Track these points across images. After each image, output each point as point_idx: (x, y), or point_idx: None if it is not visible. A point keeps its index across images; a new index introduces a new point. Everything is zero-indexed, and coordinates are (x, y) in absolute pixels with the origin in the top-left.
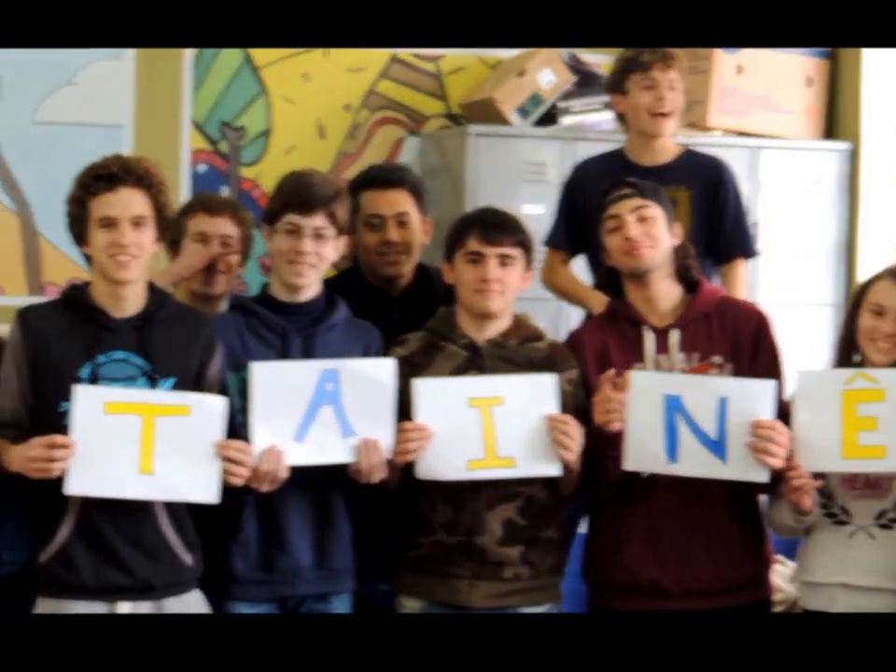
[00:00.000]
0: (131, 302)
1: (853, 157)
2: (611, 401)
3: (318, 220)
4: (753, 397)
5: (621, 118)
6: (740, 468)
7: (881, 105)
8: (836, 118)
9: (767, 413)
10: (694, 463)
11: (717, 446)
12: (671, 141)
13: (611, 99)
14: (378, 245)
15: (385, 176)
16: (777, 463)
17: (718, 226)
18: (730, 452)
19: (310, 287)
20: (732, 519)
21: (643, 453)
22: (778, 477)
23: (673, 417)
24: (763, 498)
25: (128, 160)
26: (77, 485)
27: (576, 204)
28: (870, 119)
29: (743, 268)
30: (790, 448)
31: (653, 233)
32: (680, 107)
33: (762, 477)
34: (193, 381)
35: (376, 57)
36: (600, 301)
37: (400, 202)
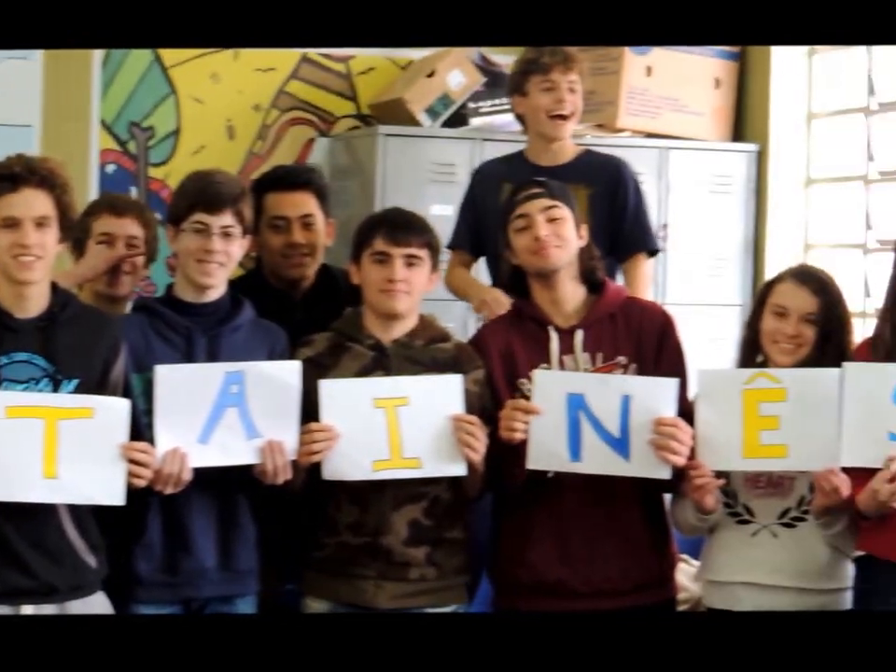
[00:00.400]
0: (34, 303)
1: (761, 158)
2: (515, 417)
3: (226, 219)
4: (656, 395)
5: (521, 119)
6: (643, 465)
7: (789, 107)
8: (744, 119)
9: (669, 410)
10: (597, 461)
11: (620, 444)
12: (571, 142)
13: (512, 100)
14: (283, 248)
15: (289, 178)
16: (679, 460)
17: (618, 223)
18: (633, 449)
19: (217, 286)
20: (638, 518)
21: (546, 451)
22: (682, 476)
23: (576, 416)
24: (667, 498)
25: (31, 159)
26: None
27: (477, 206)
28: (777, 121)
29: (645, 264)
30: (692, 446)
31: (562, 234)
32: (580, 109)
33: (664, 474)
34: (97, 382)
35: (286, 57)
36: (494, 298)
37: (306, 203)
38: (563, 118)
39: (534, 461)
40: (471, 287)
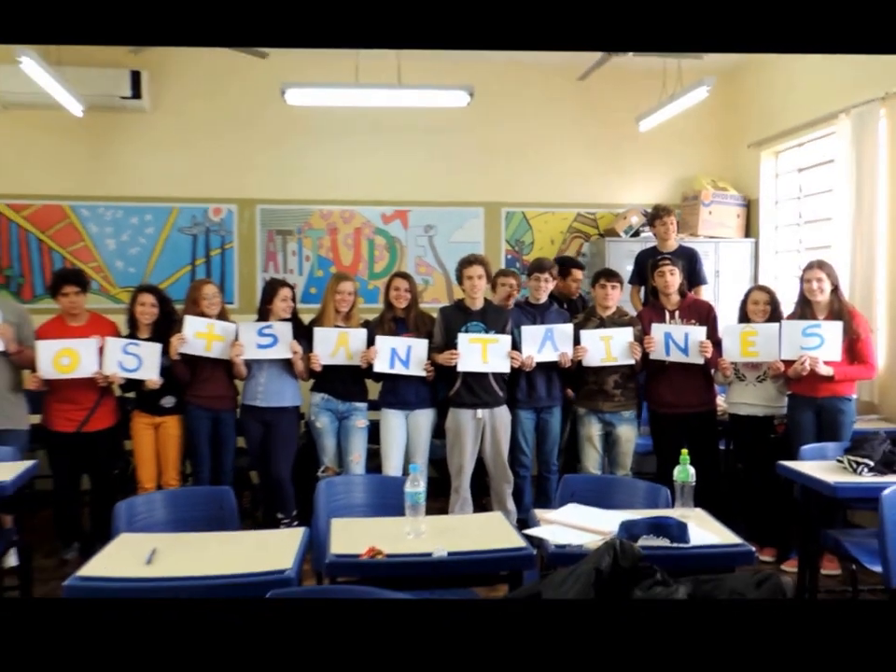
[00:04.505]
0: (478, 304)
1: (756, 247)
2: (647, 343)
3: (546, 274)
4: (698, 333)
5: (655, 234)
6: (693, 357)
7: (770, 219)
8: (750, 228)
9: (703, 338)
10: (675, 356)
11: (684, 350)
12: (675, 241)
13: (650, 227)
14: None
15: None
16: (708, 356)
17: (693, 275)
18: (690, 351)
19: (544, 299)
20: (701, 378)
21: (657, 353)
22: (715, 363)
23: (668, 340)
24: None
25: (476, 256)
26: (463, 366)
27: (639, 267)
28: (764, 226)
29: (702, 289)
30: (714, 351)
31: (675, 281)
32: (676, 231)
33: (701, 361)
34: (501, 331)
35: (571, 214)
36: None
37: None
38: (669, 235)
39: (653, 355)
40: (636, 300)
